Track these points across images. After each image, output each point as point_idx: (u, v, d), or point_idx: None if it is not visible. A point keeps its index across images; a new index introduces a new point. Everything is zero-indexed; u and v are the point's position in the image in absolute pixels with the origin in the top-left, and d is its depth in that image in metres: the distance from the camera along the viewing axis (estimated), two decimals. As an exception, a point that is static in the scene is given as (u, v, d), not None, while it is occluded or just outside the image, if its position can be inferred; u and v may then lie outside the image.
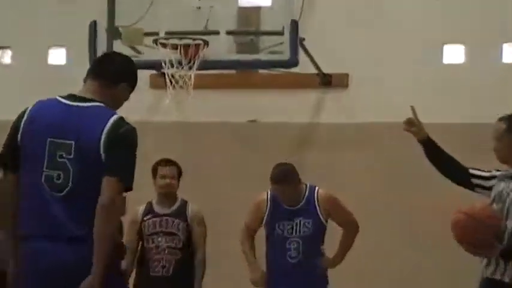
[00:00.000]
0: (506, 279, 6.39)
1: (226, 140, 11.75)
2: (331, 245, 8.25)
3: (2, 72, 13.15)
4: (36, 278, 4.77)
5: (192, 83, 10.31)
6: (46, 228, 4.70)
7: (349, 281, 10.09)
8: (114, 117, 4.88)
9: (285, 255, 8.21)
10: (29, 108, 4.95)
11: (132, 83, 5.17)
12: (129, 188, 4.76)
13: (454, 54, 11.86)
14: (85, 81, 5.06)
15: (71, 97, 4.94)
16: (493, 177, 6.79)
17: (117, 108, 5.01)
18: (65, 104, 4.93)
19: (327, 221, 8.25)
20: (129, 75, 5.16)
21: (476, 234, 6.09)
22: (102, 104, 4.90)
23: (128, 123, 4.96)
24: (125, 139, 4.86)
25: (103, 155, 4.71)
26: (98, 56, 9.38)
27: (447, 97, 11.57)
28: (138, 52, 10.41)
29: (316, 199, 8.37)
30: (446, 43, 11.96)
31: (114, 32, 10.42)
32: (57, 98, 5.01)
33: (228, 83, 11.88)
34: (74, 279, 4.70)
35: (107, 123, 4.78)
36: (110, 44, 10.26)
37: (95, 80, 4.99)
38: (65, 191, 4.71)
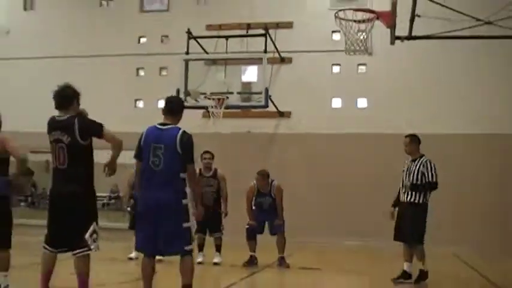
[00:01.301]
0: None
1: (236, 140, 18.40)
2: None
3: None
4: (148, 206, 7.14)
5: (221, 114, 16.17)
6: (152, 184, 7.07)
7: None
8: (181, 131, 7.13)
9: (260, 210, 12.36)
10: (145, 130, 7.29)
11: (181, 113, 7.50)
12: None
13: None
14: (163, 114, 7.44)
15: (160, 124, 7.28)
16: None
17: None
18: (157, 127, 7.27)
19: (275, 200, 12.22)
20: (181, 109, 7.56)
21: None
22: (173, 126, 7.22)
23: (188, 133, 7.18)
24: (188, 141, 7.14)
25: (179, 150, 7.05)
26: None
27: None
28: (197, 101, 16.09)
29: (273, 186, 12.32)
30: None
31: (186, 92, 16.22)
32: (155, 125, 7.30)
33: (237, 114, 18.45)
34: (167, 211, 7.01)
35: (177, 134, 7.09)
36: (184, 98, 15.64)
37: (167, 114, 7.37)
38: (159, 168, 7.08)
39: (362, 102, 19.71)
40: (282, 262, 12.19)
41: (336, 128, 19.14)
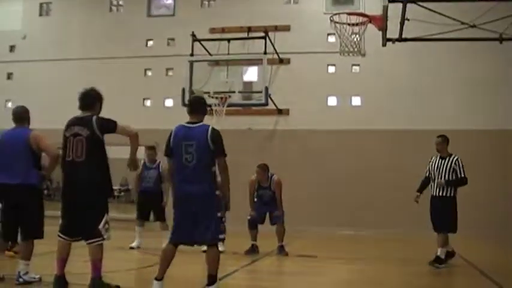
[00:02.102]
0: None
1: (238, 136, 17.80)
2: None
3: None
4: (184, 200, 7.10)
5: (224, 112, 16.41)
6: (186, 179, 7.04)
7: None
8: (210, 128, 7.12)
9: (261, 202, 12.41)
10: (173, 129, 7.22)
11: (206, 111, 7.50)
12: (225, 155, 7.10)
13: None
14: (189, 113, 7.33)
15: (188, 123, 7.23)
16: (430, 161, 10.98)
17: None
18: (185, 126, 7.23)
19: (274, 193, 12.27)
20: (205, 108, 7.54)
21: None
22: (201, 124, 7.18)
23: (216, 129, 7.16)
24: (218, 136, 7.10)
25: (211, 145, 6.98)
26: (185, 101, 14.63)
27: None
28: None
29: (272, 180, 12.34)
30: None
31: (191, 91, 16.41)
32: (183, 123, 7.26)
33: (239, 112, 18.57)
34: (201, 202, 7.01)
35: (207, 130, 7.06)
36: (189, 96, 15.18)
37: (192, 114, 7.29)
38: (192, 164, 7.03)
39: (356, 100, 19.93)
40: (281, 250, 12.22)
41: (332, 124, 19.35)
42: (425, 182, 11.23)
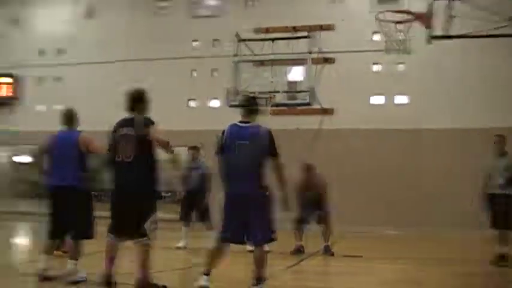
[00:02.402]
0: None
1: (283, 136, 17.97)
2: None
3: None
4: (234, 199, 7.18)
5: (268, 112, 15.82)
6: (238, 178, 7.11)
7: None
8: (263, 127, 7.20)
9: (307, 202, 12.40)
10: (226, 128, 7.28)
11: (258, 111, 7.55)
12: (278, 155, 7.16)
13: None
14: (241, 113, 7.41)
15: (240, 122, 7.30)
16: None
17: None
18: (239, 125, 7.31)
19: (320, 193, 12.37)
20: (258, 108, 7.60)
21: None
22: (253, 123, 7.28)
23: (269, 129, 7.19)
24: (270, 136, 7.17)
25: (263, 145, 7.06)
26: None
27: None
28: None
29: (318, 180, 12.52)
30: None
31: (236, 92, 16.23)
32: (236, 123, 7.34)
33: (283, 112, 18.20)
34: (253, 202, 7.06)
35: (260, 130, 7.15)
36: (234, 97, 15.91)
37: (245, 113, 7.38)
38: (243, 163, 7.08)
39: (401, 99, 19.69)
40: (327, 250, 12.22)
41: (376, 123, 19.17)
42: (486, 181, 11.16)
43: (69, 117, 8.31)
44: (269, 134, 7.15)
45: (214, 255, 7.22)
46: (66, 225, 7.87)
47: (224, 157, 7.29)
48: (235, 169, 7.15)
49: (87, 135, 8.03)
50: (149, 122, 7.22)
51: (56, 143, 8.05)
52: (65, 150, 7.91)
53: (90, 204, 8.07)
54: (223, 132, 7.32)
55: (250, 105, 7.50)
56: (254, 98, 8.09)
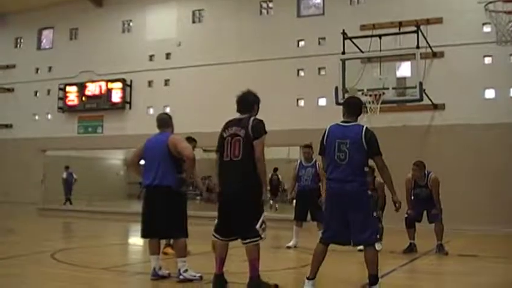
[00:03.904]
0: None
1: (391, 133, 17.70)
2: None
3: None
4: (335, 199, 7.13)
5: (378, 109, 16.47)
6: (339, 178, 7.03)
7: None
8: (364, 127, 7.10)
9: (418, 200, 12.12)
10: (327, 128, 7.27)
11: (360, 111, 7.44)
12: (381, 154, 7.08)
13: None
14: (343, 114, 7.32)
15: (343, 122, 7.24)
16: None
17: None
18: (340, 125, 7.26)
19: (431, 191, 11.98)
20: (360, 108, 7.47)
21: None
22: (355, 123, 7.18)
23: (370, 129, 7.11)
24: (372, 136, 7.04)
25: (365, 145, 6.97)
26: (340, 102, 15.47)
27: None
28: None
29: (429, 178, 12.03)
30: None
31: (344, 90, 16.66)
32: (338, 123, 7.28)
33: (393, 109, 18.60)
34: (355, 201, 6.96)
35: (362, 130, 7.05)
36: (342, 95, 16.42)
37: (347, 113, 7.29)
38: (345, 162, 7.04)
39: (515, 92, 18.96)
40: (440, 249, 11.96)
41: (490, 118, 18.57)
42: None
43: (162, 122, 8.47)
44: (370, 134, 7.07)
45: (316, 257, 7.18)
46: (159, 225, 8.04)
47: (325, 156, 7.28)
48: (335, 168, 7.12)
49: (176, 137, 8.20)
50: (257, 129, 7.25)
51: (147, 146, 8.31)
52: (154, 152, 8.13)
53: (180, 205, 8.21)
54: (324, 132, 7.31)
55: (353, 105, 7.43)
56: (358, 98, 7.86)
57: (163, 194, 7.98)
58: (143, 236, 8.34)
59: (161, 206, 7.98)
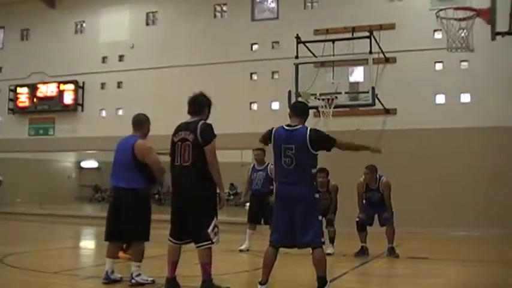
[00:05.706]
0: None
1: (345, 136, 18.19)
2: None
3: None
4: (283, 202, 7.17)
5: (331, 113, 16.52)
6: (287, 182, 7.08)
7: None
8: (308, 129, 7.11)
9: (369, 203, 12.23)
10: (274, 130, 7.31)
11: (306, 114, 7.44)
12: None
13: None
14: (290, 116, 7.36)
15: (287, 125, 7.26)
16: None
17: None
18: (284, 128, 7.27)
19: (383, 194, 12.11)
20: (306, 111, 7.50)
21: None
22: (300, 126, 7.17)
23: (314, 128, 7.21)
24: (316, 134, 7.09)
25: (311, 148, 6.99)
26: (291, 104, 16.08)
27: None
28: (308, 102, 14.82)
29: (381, 182, 12.13)
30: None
31: (297, 94, 16.58)
32: (283, 126, 7.30)
33: (346, 113, 18.58)
34: (302, 205, 6.99)
35: (307, 133, 7.04)
36: (295, 99, 16.07)
37: (295, 117, 7.31)
38: (291, 166, 7.05)
39: (465, 98, 19.31)
40: (391, 252, 12.07)
41: (440, 123, 18.91)
42: None
43: (136, 122, 8.45)
44: (315, 132, 7.10)
45: (266, 260, 7.16)
46: (124, 227, 7.96)
47: (274, 160, 7.29)
48: (282, 172, 7.15)
49: (144, 145, 8.08)
50: (206, 133, 7.23)
51: (117, 148, 8.24)
52: (121, 155, 8.09)
53: (145, 207, 8.12)
54: (271, 131, 7.36)
55: (298, 109, 7.47)
56: (303, 102, 8.05)
57: (129, 196, 7.91)
58: (107, 239, 8.20)
59: (128, 208, 7.89)
